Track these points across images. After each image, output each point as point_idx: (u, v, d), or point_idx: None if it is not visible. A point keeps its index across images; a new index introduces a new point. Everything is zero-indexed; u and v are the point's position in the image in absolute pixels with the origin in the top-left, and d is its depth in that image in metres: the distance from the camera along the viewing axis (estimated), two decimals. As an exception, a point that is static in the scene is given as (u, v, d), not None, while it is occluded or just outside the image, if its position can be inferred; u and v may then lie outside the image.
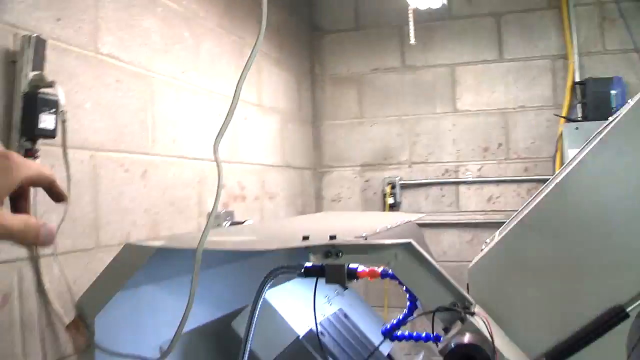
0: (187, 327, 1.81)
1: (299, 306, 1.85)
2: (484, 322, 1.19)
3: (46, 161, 1.80)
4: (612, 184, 1.32)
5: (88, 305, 1.49)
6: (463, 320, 1.19)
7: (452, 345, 1.16)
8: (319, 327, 1.76)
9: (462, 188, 3.72)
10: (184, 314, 1.30)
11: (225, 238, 1.80)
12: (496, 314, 1.33)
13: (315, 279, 1.47)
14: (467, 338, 1.16)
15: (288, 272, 1.53)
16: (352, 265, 1.42)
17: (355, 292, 2.37)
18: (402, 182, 3.80)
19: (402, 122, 3.86)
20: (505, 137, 3.64)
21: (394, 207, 3.76)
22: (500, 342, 1.23)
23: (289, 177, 3.68)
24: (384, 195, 3.79)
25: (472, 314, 1.20)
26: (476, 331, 1.19)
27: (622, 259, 1.31)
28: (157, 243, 1.49)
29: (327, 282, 1.45)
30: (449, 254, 3.75)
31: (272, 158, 3.47)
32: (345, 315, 2.04)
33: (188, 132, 2.61)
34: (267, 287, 1.55)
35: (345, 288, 2.31)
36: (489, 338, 1.15)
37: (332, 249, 1.37)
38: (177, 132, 2.53)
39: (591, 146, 1.35)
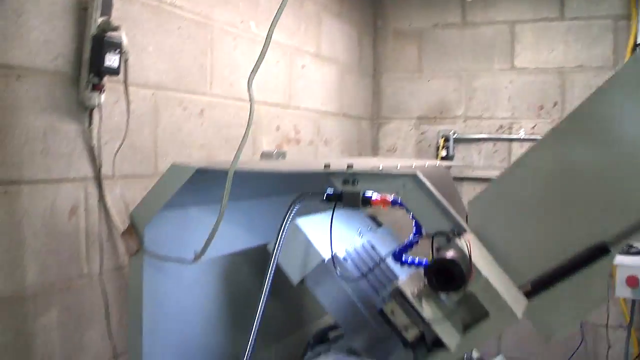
0: (229, 250, 2.07)
1: (328, 234, 2.05)
2: (466, 244, 1.34)
3: (111, 95, 2.06)
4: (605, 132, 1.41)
5: (139, 216, 1.75)
6: (449, 240, 1.34)
7: (433, 259, 1.32)
8: (344, 253, 1.95)
9: (514, 145, 3.75)
10: (215, 224, 1.53)
11: (259, 165, 2.01)
12: (490, 243, 1.48)
13: (335, 205, 1.65)
14: (448, 254, 1.31)
15: (312, 197, 1.72)
16: (367, 194, 1.59)
17: (389, 230, 2.52)
18: (456, 136, 3.87)
19: (460, 77, 3.91)
20: (561, 97, 3.62)
21: (446, 159, 3.85)
22: (489, 267, 1.38)
23: (345, 125, 3.84)
24: (438, 148, 3.89)
25: (459, 236, 1.34)
26: (459, 250, 1.33)
27: (608, 202, 1.40)
28: (198, 164, 1.71)
29: (344, 206, 1.63)
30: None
31: (329, 106, 3.64)
32: (373, 247, 2.21)
33: (244, 77, 2.81)
34: (294, 209, 1.75)
35: (379, 224, 2.49)
36: (467, 256, 1.30)
37: (349, 176, 1.55)
38: (235, 77, 2.75)
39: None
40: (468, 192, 3.90)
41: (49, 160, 1.92)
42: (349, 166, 1.59)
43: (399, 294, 1.31)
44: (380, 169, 1.56)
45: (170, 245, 1.88)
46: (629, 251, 3.04)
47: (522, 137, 3.71)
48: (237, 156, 1.52)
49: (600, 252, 1.39)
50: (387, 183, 1.53)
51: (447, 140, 3.85)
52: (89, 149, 2.04)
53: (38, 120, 1.87)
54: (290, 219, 1.77)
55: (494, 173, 3.76)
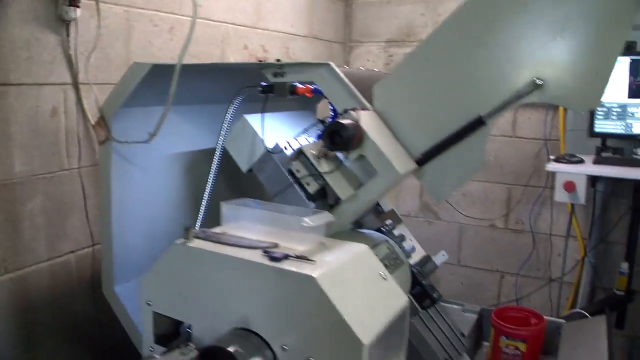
0: (192, 148, 2.38)
1: (276, 131, 2.35)
2: (358, 114, 1.64)
3: (86, 11, 2.33)
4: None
5: (107, 108, 2.06)
6: (346, 112, 1.65)
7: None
8: (285, 143, 2.26)
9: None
10: (164, 112, 1.83)
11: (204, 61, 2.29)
12: (391, 121, 1.78)
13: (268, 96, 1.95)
14: (343, 121, 1.61)
15: (252, 89, 2.01)
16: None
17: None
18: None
19: (427, 2, 4.10)
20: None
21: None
22: (383, 137, 1.69)
23: (316, 48, 4.09)
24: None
25: (354, 110, 1.64)
26: (353, 120, 1.64)
27: (484, 85, 1.69)
28: (155, 62, 2.00)
29: (276, 95, 1.93)
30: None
31: (299, 29, 3.88)
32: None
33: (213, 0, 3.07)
34: (238, 99, 2.03)
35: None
36: (357, 123, 1.60)
37: (278, 69, 1.85)
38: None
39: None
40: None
41: (32, 66, 2.21)
42: (278, 60, 1.89)
43: (300, 153, 1.62)
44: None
45: (137, 138, 2.19)
46: (570, 160, 3.33)
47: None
48: (183, 51, 1.81)
49: (478, 124, 1.69)
50: (308, 73, 1.83)
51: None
52: (67, 57, 2.33)
53: (23, 31, 2.16)
54: (234, 109, 2.07)
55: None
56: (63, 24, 2.30)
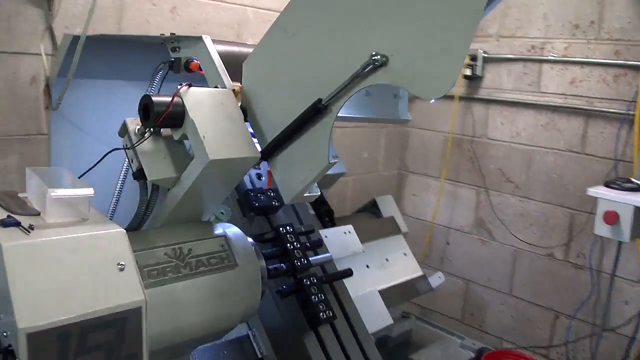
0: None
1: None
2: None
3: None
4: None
5: (50, 79, 2.14)
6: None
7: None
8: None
9: (545, 67, 3.46)
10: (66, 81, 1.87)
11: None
12: (255, 102, 1.61)
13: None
14: (157, 96, 1.48)
15: (165, 65, 1.95)
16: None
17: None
18: (486, 55, 3.68)
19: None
20: (598, 15, 3.23)
21: (470, 78, 3.71)
22: (225, 124, 1.53)
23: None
24: (466, 68, 3.74)
25: (188, 86, 1.50)
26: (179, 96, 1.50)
27: (322, 58, 1.45)
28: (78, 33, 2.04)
29: (173, 72, 1.86)
30: (522, 135, 3.60)
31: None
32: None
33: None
34: (157, 77, 1.99)
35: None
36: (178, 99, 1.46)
37: (174, 43, 1.78)
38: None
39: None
40: (494, 116, 3.72)
41: (11, 37, 2.38)
42: (172, 34, 1.81)
43: (125, 128, 1.51)
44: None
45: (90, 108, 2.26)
46: (623, 186, 2.73)
47: (553, 58, 3.40)
48: (87, 23, 1.81)
49: (319, 110, 1.44)
50: (195, 48, 1.73)
51: (473, 58, 3.67)
52: (49, 30, 2.48)
53: (3, 4, 2.34)
54: (156, 84, 2.02)
55: (521, 97, 3.56)
56: (46, -1, 2.44)
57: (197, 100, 1.48)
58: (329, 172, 2.46)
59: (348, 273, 1.97)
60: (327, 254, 1.94)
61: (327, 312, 1.78)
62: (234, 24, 3.13)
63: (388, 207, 2.99)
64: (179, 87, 1.50)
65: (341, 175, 2.55)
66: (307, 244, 1.90)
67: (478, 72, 3.69)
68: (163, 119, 1.44)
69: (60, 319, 1.13)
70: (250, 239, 1.65)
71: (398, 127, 4.29)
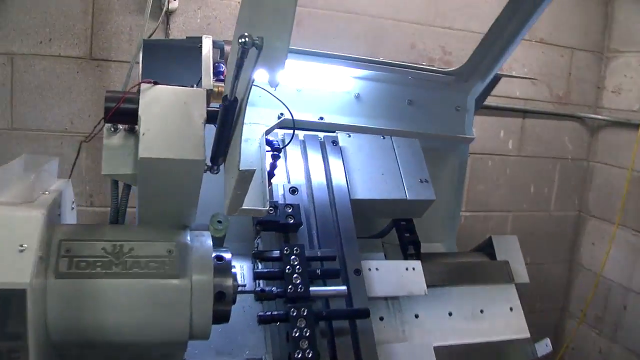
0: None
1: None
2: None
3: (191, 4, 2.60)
4: None
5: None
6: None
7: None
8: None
9: None
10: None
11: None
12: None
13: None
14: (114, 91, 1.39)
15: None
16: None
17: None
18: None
19: None
20: None
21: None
22: (180, 123, 1.40)
23: (542, 55, 3.32)
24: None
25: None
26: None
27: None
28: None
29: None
30: None
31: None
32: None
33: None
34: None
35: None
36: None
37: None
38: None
39: None
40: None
41: (132, 48, 2.60)
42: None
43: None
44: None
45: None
46: None
47: None
48: None
49: (230, 108, 1.20)
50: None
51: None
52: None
53: (126, 19, 2.58)
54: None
55: None
56: (163, 13, 2.60)
57: (153, 97, 1.37)
58: (413, 197, 2.19)
59: (362, 313, 1.61)
60: (339, 288, 1.62)
61: (307, 352, 1.47)
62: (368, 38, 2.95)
63: (507, 249, 2.44)
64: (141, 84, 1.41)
65: (430, 202, 2.16)
66: (318, 272, 1.62)
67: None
68: (114, 114, 1.36)
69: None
70: (216, 253, 1.46)
71: (577, 161, 3.57)
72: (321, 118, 2.01)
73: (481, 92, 2.28)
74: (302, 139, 2.03)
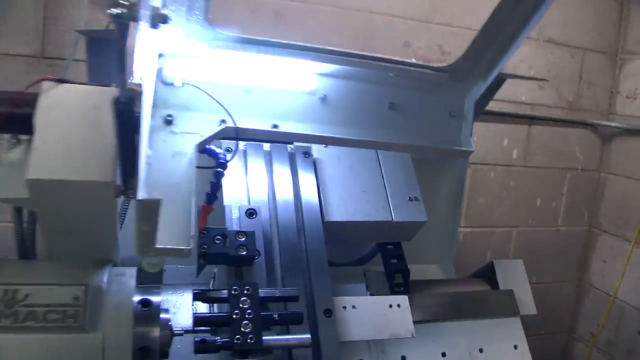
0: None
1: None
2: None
3: None
4: None
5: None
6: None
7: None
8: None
9: None
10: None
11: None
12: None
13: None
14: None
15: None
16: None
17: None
18: None
19: None
20: None
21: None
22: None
23: (550, 55, 3.03)
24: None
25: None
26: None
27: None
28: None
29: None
30: None
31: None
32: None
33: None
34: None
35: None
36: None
37: None
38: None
39: None
40: None
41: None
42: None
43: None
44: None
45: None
46: None
47: None
48: None
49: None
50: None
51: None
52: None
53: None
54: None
55: None
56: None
57: (56, 100, 1.08)
58: (401, 219, 1.88)
59: (327, 369, 1.31)
60: (301, 337, 1.32)
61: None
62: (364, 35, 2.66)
63: (511, 275, 2.14)
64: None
65: (421, 224, 1.87)
66: (275, 316, 1.32)
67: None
68: (4, 122, 1.07)
69: None
70: (141, 297, 1.17)
71: (588, 172, 3.27)
72: (275, 126, 1.54)
73: (482, 94, 1.97)
74: (268, 149, 1.74)
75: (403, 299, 1.70)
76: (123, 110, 0.91)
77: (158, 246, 0.98)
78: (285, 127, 1.54)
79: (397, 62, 1.61)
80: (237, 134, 1.29)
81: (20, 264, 1.22)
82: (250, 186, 1.63)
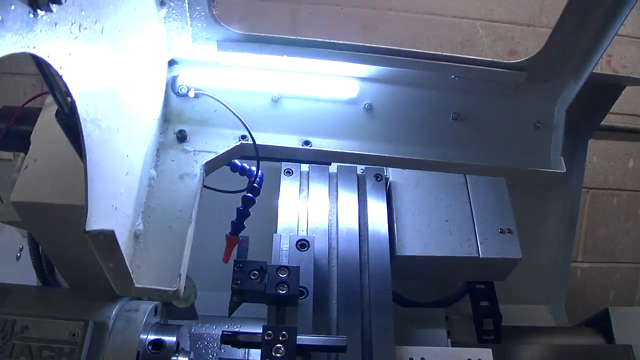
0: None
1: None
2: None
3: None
4: None
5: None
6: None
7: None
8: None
9: None
10: None
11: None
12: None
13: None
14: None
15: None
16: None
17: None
18: None
19: None
20: None
21: None
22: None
23: None
24: None
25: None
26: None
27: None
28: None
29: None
30: None
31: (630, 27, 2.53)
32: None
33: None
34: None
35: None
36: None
37: None
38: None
39: None
40: None
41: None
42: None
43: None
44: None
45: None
46: None
47: None
48: None
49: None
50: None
51: None
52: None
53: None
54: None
55: None
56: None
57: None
58: (488, 255, 1.59)
59: None
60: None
61: None
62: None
63: (631, 326, 1.76)
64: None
65: (515, 261, 1.57)
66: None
67: None
68: (4, 140, 0.98)
69: None
70: (154, 337, 1.00)
71: None
72: (307, 142, 1.23)
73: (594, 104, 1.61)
74: (335, 171, 1.55)
75: (487, 353, 1.41)
76: (68, 122, 0.76)
77: (137, 286, 0.82)
78: (319, 143, 1.24)
79: (459, 60, 1.25)
80: (256, 152, 1.10)
81: (29, 291, 1.11)
82: (311, 213, 1.44)
